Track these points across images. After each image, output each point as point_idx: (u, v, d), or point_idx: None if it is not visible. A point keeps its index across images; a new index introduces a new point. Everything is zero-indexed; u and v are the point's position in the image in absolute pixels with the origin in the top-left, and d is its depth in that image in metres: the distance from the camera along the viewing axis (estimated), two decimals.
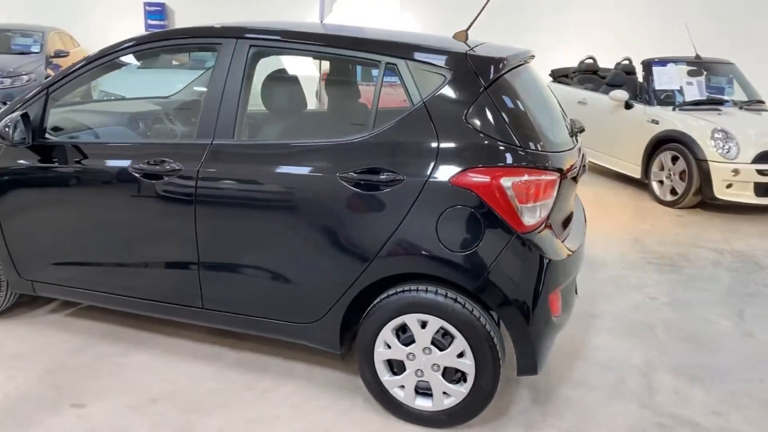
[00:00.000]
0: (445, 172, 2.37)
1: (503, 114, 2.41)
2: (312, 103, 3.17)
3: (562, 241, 2.66)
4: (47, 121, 2.96)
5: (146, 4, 12.85)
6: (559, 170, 2.45)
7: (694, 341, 3.47)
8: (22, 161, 2.95)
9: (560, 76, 8.60)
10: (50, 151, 2.91)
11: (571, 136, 2.91)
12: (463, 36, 2.85)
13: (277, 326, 2.74)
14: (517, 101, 2.51)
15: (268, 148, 2.68)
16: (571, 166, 2.70)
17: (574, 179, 2.80)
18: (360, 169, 2.45)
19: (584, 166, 2.95)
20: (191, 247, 2.73)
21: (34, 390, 2.75)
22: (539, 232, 2.40)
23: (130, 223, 2.84)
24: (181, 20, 12.98)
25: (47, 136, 2.96)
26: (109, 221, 2.88)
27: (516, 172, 2.34)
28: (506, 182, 2.32)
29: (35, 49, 9.72)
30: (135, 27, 12.22)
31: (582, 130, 3.03)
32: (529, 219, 2.36)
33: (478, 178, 2.34)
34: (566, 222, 2.80)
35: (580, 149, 2.97)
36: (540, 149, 2.43)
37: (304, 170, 2.55)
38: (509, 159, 2.36)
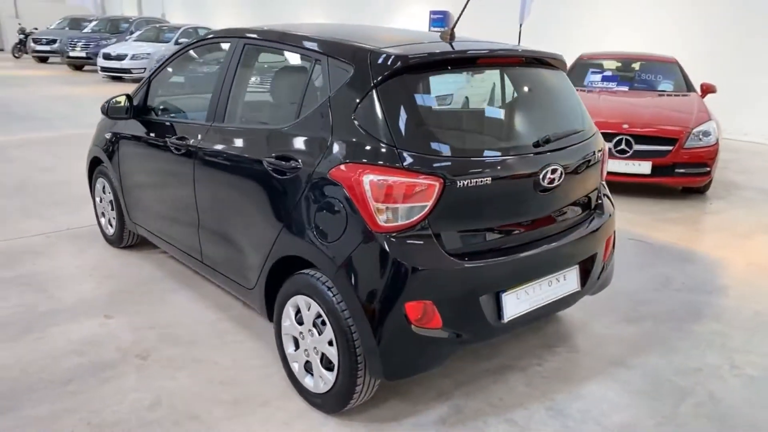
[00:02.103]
0: (327, 165, 2.47)
1: (388, 112, 2.38)
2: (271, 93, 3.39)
3: (497, 250, 2.52)
4: (150, 102, 3.87)
5: (432, 12, 14.04)
6: (443, 175, 2.32)
7: (725, 424, 2.72)
8: (130, 131, 3.93)
9: None
10: (143, 125, 3.83)
11: (537, 146, 2.63)
12: (447, 34, 2.86)
13: (237, 287, 3.15)
14: (418, 100, 2.44)
15: (233, 131, 3.09)
16: (518, 174, 2.53)
17: (541, 190, 2.59)
18: (277, 154, 2.71)
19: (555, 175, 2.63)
20: (194, 208, 3.32)
21: (96, 299, 3.69)
22: (405, 236, 2.32)
23: (166, 183, 3.60)
24: (460, 26, 13.77)
25: (152, 114, 3.88)
26: (158, 181, 3.68)
27: (378, 170, 2.32)
28: (365, 179, 2.32)
29: None
30: None
31: (548, 141, 2.67)
32: (388, 220, 2.31)
33: (345, 172, 2.39)
34: (512, 230, 2.60)
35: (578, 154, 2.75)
36: (426, 152, 2.35)
37: (248, 152, 2.90)
38: (377, 157, 2.35)
